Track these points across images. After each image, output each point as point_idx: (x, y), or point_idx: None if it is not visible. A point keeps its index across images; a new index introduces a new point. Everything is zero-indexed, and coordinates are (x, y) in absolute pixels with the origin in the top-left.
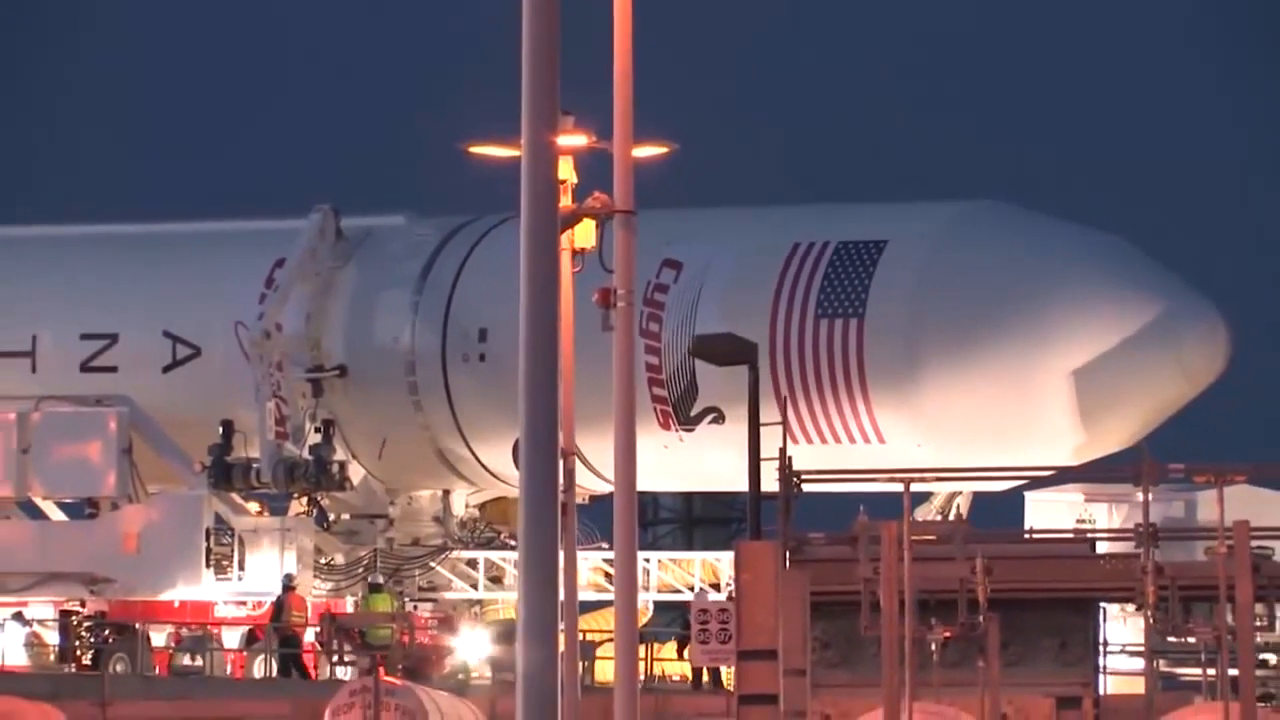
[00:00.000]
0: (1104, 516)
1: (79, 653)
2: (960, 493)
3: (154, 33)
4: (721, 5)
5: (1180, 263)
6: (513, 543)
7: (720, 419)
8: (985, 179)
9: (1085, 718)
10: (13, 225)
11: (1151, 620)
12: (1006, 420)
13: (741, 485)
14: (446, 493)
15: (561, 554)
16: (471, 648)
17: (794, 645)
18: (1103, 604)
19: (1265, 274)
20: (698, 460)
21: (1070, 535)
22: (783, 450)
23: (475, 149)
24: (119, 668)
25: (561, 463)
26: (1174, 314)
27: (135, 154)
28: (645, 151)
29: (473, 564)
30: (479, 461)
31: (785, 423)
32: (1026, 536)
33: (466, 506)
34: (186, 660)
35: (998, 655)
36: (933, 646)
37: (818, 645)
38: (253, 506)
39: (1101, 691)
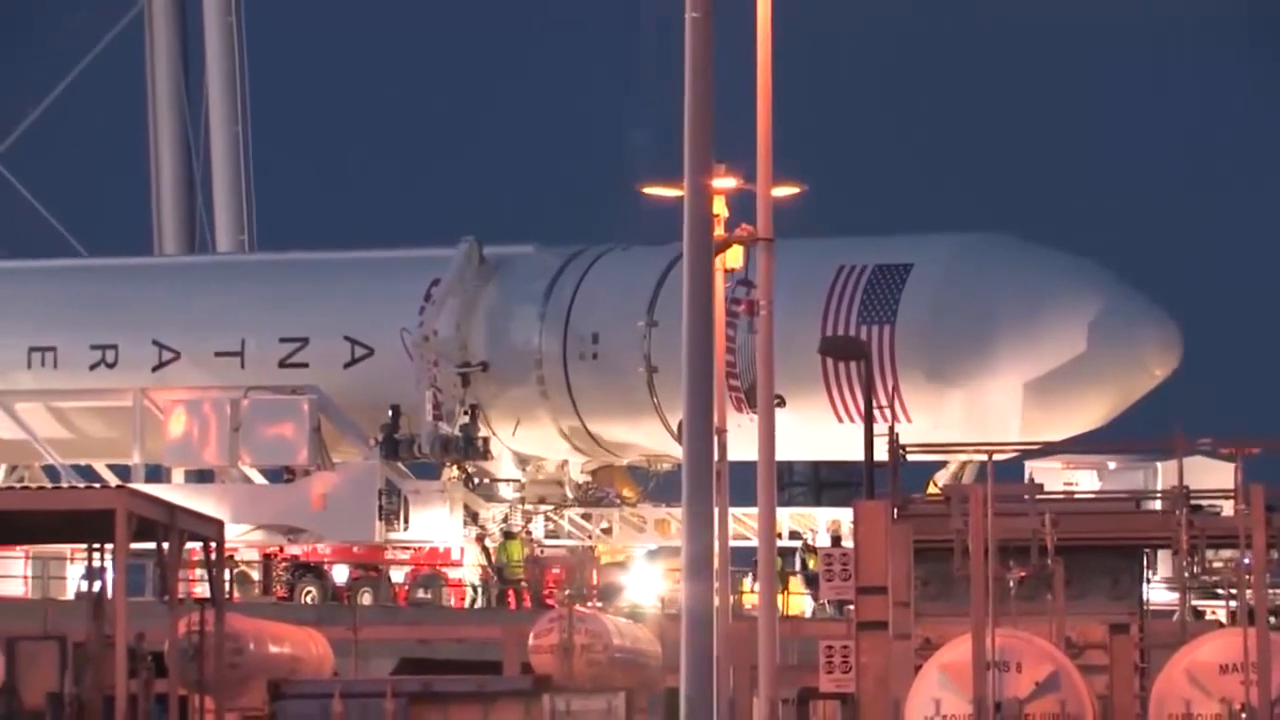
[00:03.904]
0: (1086, 481)
1: (277, 587)
2: (969, 461)
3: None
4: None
5: (1143, 277)
6: (618, 501)
7: (781, 404)
8: (994, 213)
9: (1133, 640)
10: (232, 254)
11: (1185, 562)
12: (1006, 406)
13: (793, 455)
14: (565, 462)
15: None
16: (641, 583)
17: (900, 583)
18: (1145, 549)
19: (1215, 286)
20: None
21: (1119, 495)
22: (891, 427)
23: (648, 189)
24: (308, 599)
25: (715, 438)
26: (1136, 321)
27: (319, 194)
28: (782, 191)
29: (586, 517)
30: (592, 437)
31: (894, 406)
32: (1086, 497)
33: (581, 472)
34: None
35: (1063, 591)
36: (1011, 584)
37: (919, 583)
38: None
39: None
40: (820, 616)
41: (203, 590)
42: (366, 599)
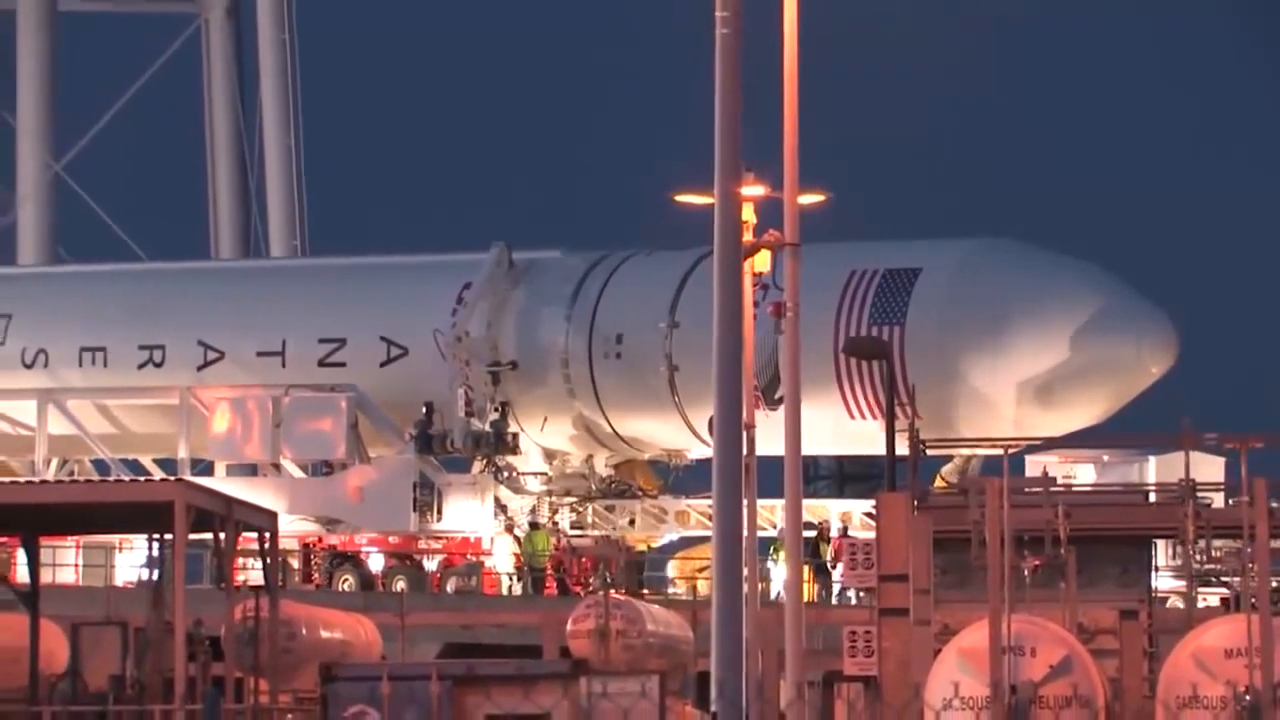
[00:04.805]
0: (1084, 474)
1: (315, 575)
2: (974, 455)
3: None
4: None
5: (1141, 278)
6: (640, 493)
7: None
8: (1000, 217)
9: (1142, 625)
10: (273, 258)
11: (1191, 551)
12: (1008, 402)
13: (807, 451)
14: (590, 456)
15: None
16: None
17: (921, 571)
18: (1154, 539)
19: (1211, 287)
20: (778, 431)
21: (1128, 488)
22: (912, 424)
23: (680, 197)
24: (345, 586)
25: (744, 433)
26: (1135, 322)
27: (368, 201)
28: (808, 199)
29: (610, 509)
30: (615, 433)
31: (914, 404)
32: (1087, 489)
33: (605, 466)
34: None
35: (1075, 579)
36: (1025, 572)
37: (938, 571)
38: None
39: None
40: (825, 604)
41: (247, 577)
42: (400, 585)
